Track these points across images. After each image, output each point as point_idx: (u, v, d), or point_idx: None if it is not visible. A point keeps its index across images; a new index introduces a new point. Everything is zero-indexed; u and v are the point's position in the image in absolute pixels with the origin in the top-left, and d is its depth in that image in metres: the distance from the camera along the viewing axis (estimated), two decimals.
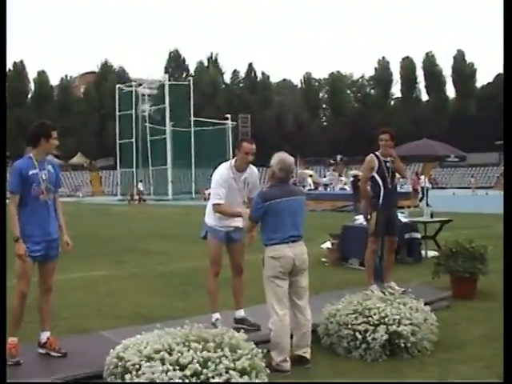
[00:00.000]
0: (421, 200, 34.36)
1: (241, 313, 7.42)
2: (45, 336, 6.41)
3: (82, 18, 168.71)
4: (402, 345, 6.37)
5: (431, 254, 14.22)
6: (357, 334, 6.43)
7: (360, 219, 13.60)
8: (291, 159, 6.61)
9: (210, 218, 7.31)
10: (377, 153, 9.53)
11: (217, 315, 7.26)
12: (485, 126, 73.13)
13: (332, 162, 59.86)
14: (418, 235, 13.74)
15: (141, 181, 60.32)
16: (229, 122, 68.17)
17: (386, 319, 6.47)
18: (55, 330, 6.75)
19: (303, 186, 48.57)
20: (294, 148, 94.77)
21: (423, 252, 13.91)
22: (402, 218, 13.73)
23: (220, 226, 7.26)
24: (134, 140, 64.85)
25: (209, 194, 7.55)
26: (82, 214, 32.98)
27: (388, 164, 9.44)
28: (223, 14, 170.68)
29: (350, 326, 6.52)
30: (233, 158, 7.42)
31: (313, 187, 44.37)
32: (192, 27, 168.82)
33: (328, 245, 13.50)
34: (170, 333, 5.47)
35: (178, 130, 63.45)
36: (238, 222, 7.28)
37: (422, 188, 34.91)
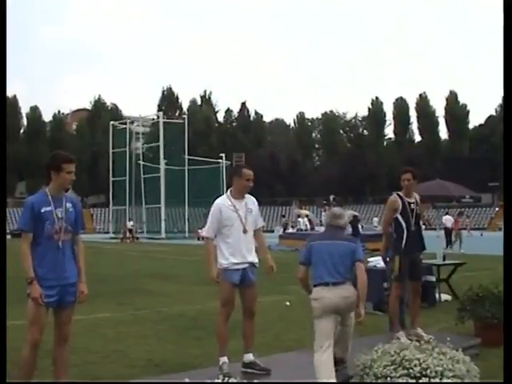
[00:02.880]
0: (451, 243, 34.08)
1: (249, 356, 7.06)
2: None
3: (74, 54, 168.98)
4: None
5: (444, 297, 13.80)
6: None
7: (373, 261, 13.17)
8: (338, 209, 7.26)
9: (222, 258, 6.92)
10: (400, 193, 9.11)
11: (224, 359, 6.88)
12: (477, 167, 73.21)
13: (325, 202, 59.62)
14: (433, 278, 13.31)
15: (130, 219, 59.61)
16: (223, 160, 67.97)
17: (428, 371, 5.96)
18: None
19: (292, 227, 48.32)
20: (287, 187, 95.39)
21: (436, 295, 13.45)
22: None
23: (234, 264, 6.85)
24: (127, 178, 64.42)
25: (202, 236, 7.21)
26: None
27: (412, 205, 9.03)
28: (216, 51, 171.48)
29: (389, 380, 6.01)
30: (227, 189, 7.23)
31: (309, 227, 43.92)
32: (185, 64, 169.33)
33: None
34: None
35: (172, 169, 63.15)
36: (254, 257, 6.97)
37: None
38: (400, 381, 5.94)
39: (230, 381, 4.91)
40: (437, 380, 5.91)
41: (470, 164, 78.23)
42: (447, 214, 38.56)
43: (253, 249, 7.04)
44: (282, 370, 7.00)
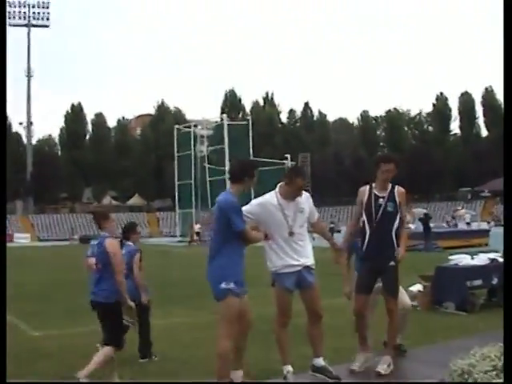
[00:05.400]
0: None
1: (320, 361, 6.72)
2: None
3: (136, 59, 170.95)
4: None
5: None
6: None
7: (455, 259, 12.70)
8: None
9: (275, 260, 6.58)
10: (373, 184, 7.41)
11: (288, 367, 6.59)
12: None
13: None
14: None
15: (197, 222, 59.61)
16: (288, 161, 67.58)
17: None
18: None
19: None
20: (353, 185, 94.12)
21: None
22: (499, 257, 12.78)
23: (288, 267, 6.50)
24: (192, 181, 64.59)
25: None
26: (147, 256, 32.45)
27: (381, 200, 7.23)
28: (278, 52, 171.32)
29: None
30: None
31: None
32: (247, 66, 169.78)
33: (418, 287, 12.56)
34: None
35: None
36: (307, 259, 6.61)
37: None
38: None
39: None
40: None
41: None
42: None
43: (306, 251, 6.67)
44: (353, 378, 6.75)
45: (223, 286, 5.99)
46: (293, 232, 6.54)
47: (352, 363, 7.18)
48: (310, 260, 6.61)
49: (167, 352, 8.78)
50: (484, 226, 50.17)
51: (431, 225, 33.75)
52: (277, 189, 6.70)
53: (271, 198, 6.63)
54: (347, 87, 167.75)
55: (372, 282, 7.20)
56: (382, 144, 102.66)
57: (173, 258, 33.56)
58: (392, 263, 7.08)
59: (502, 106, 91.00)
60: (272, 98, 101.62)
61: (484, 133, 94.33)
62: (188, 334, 10.28)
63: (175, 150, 68.49)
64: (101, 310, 6.78)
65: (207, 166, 66.06)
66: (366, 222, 7.17)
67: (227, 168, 62.25)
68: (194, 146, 67.63)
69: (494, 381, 5.60)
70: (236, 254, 6.04)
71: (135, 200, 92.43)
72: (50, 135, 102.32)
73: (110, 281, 6.68)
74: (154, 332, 10.30)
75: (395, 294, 7.19)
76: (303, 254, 6.60)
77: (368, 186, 7.36)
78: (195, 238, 54.39)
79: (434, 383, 6.33)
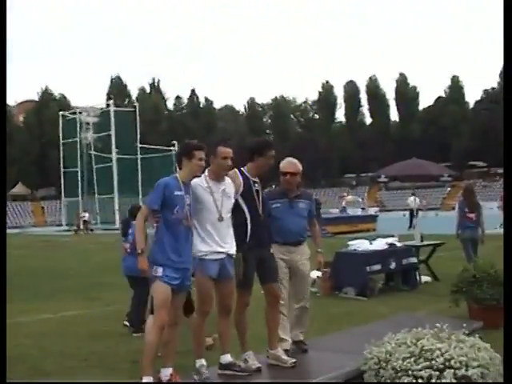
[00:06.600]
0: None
1: (227, 357, 6.42)
2: (168, 372, 5.95)
3: (18, 43, 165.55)
4: None
5: (425, 279, 13.46)
6: (419, 380, 5.39)
7: (354, 245, 12.74)
8: None
9: (203, 244, 6.17)
10: (243, 169, 6.79)
11: (202, 361, 6.25)
12: (428, 149, 73.35)
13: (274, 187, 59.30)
14: (415, 260, 12.90)
15: (85, 210, 58.38)
16: (175, 148, 67.02)
17: (452, 362, 5.45)
18: None
19: None
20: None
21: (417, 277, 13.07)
22: (396, 242, 12.95)
23: (215, 253, 6.16)
24: (79, 169, 63.16)
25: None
26: (32, 246, 31.43)
27: (257, 186, 6.74)
28: (163, 38, 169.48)
29: (410, 373, 5.47)
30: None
31: None
32: (133, 52, 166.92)
33: (317, 273, 12.46)
34: None
35: (124, 158, 62.04)
36: (233, 248, 6.30)
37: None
38: (423, 374, 5.43)
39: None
40: (462, 371, 5.41)
41: (420, 145, 78.34)
42: (413, 194, 37.46)
43: (231, 238, 6.34)
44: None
45: (152, 272, 5.80)
46: (222, 217, 6.22)
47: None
48: (233, 249, 6.28)
49: (63, 348, 8.28)
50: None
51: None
52: (206, 172, 6.31)
53: (200, 181, 6.27)
54: (234, 74, 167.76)
55: (258, 272, 6.71)
56: (268, 131, 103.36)
57: (61, 247, 32.49)
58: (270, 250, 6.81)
59: (386, 95, 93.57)
60: (158, 85, 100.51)
61: (368, 121, 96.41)
62: (83, 328, 9.73)
63: (60, 137, 66.62)
64: None
65: (93, 153, 64.82)
66: (245, 209, 6.60)
67: (114, 155, 61.24)
68: (80, 133, 66.16)
69: (412, 367, 5.50)
70: (167, 236, 5.87)
71: (19, 189, 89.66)
72: None
73: None
74: (46, 326, 9.85)
75: (277, 279, 6.82)
76: (228, 241, 6.28)
77: (237, 170, 6.75)
78: (81, 226, 53.19)
79: (351, 372, 6.22)
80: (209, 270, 6.15)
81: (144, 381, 5.63)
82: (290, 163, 7.32)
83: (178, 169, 6.12)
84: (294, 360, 6.63)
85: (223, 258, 6.22)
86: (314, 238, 7.55)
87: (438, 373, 5.41)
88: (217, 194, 6.26)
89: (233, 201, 6.42)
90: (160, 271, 5.77)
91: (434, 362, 5.48)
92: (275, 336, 6.82)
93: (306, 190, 7.83)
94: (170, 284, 5.78)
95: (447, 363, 5.46)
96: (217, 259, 6.19)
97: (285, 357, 6.67)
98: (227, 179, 6.45)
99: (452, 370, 5.40)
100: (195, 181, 6.22)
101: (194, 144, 6.10)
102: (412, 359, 5.56)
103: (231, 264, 6.29)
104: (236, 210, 6.51)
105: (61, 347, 8.30)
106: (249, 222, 6.57)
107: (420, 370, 5.45)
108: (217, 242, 6.19)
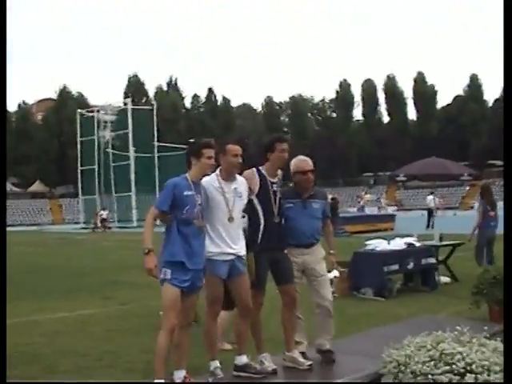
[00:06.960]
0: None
1: (243, 359, 6.32)
2: (181, 374, 5.89)
3: (36, 42, 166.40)
4: None
5: (444, 280, 13.26)
6: None
7: (372, 244, 12.57)
8: None
9: (212, 244, 6.07)
10: (261, 168, 6.67)
11: (216, 363, 6.16)
12: (446, 147, 72.93)
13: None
14: (434, 260, 12.73)
15: (104, 208, 58.52)
16: None
17: (473, 366, 5.30)
18: None
19: None
20: None
21: (436, 278, 12.88)
22: (415, 242, 12.77)
23: (224, 254, 6.07)
24: (96, 167, 63.24)
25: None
26: (48, 244, 31.43)
27: (275, 187, 6.62)
28: (181, 37, 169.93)
29: (430, 377, 5.33)
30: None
31: None
32: (151, 51, 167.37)
33: (335, 273, 12.32)
34: None
35: (141, 156, 62.05)
36: (243, 249, 6.21)
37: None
38: (443, 378, 5.28)
39: None
40: (484, 376, 5.26)
41: (438, 144, 77.93)
42: (432, 193, 36.94)
43: (242, 239, 6.25)
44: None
45: (161, 275, 5.73)
46: (232, 217, 6.11)
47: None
48: (243, 250, 6.17)
49: (78, 347, 8.19)
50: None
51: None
52: (217, 171, 6.22)
53: (212, 180, 6.16)
54: (251, 72, 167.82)
55: (273, 274, 6.64)
56: (285, 130, 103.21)
57: (78, 245, 32.52)
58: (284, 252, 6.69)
59: (404, 93, 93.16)
60: (176, 83, 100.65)
61: (386, 119, 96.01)
62: (98, 327, 9.61)
63: (78, 135, 66.75)
64: None
65: (111, 151, 64.86)
66: (259, 211, 6.49)
67: (131, 153, 61.27)
68: (98, 131, 66.23)
69: (432, 372, 5.36)
70: (178, 237, 5.80)
71: (37, 187, 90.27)
72: None
73: None
74: (61, 325, 9.78)
75: (293, 280, 6.69)
76: (238, 242, 6.17)
77: (255, 170, 6.64)
78: (99, 224, 53.33)
79: (370, 375, 6.09)
80: (218, 270, 6.07)
81: (156, 381, 5.58)
82: (304, 161, 7.07)
83: (188, 168, 5.99)
84: (310, 362, 6.54)
85: (233, 259, 6.13)
86: (326, 239, 7.34)
87: (458, 377, 5.26)
88: (228, 194, 6.18)
89: (245, 201, 6.33)
90: (169, 274, 5.71)
91: (454, 366, 5.33)
92: (292, 338, 6.74)
93: (320, 189, 7.55)
94: (179, 286, 5.70)
95: (468, 367, 5.30)
96: (226, 260, 6.11)
97: (301, 359, 6.58)
98: (239, 178, 6.36)
99: (473, 375, 5.25)
100: (207, 180, 6.13)
101: (202, 142, 5.99)
102: (432, 363, 5.42)
103: (242, 264, 6.20)
104: (250, 210, 6.45)
105: (75, 346, 8.22)
106: (262, 222, 6.46)
107: (440, 375, 5.30)
108: (227, 242, 6.12)
